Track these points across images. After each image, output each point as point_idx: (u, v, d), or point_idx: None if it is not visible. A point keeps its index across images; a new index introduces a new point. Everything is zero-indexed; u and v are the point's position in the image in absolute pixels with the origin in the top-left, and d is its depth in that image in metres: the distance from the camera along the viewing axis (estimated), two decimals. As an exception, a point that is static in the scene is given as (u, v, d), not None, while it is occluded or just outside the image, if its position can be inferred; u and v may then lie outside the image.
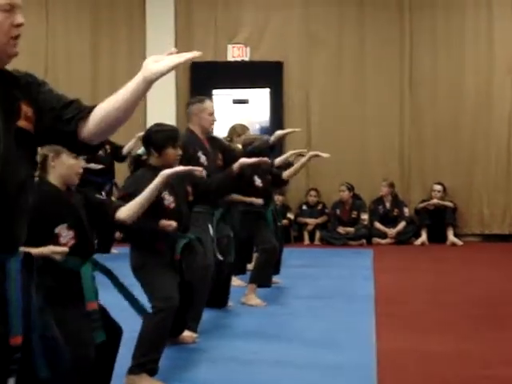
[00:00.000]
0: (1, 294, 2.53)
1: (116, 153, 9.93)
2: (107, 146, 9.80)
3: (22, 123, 2.55)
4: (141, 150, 4.91)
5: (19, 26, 2.47)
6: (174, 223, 4.62)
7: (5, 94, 2.51)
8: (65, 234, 3.69)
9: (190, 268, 4.83)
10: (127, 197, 4.43)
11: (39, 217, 3.49)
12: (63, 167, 3.75)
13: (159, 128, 4.88)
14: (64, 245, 3.68)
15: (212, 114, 6.20)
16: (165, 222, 4.61)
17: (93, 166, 9.32)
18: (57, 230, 3.68)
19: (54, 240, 3.66)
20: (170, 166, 4.80)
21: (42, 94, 2.60)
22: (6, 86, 2.53)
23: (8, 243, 2.54)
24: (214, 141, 6.42)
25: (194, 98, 6.81)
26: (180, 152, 4.87)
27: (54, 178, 3.77)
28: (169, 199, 4.70)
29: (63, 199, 3.78)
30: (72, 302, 3.65)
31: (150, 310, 4.33)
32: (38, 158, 3.49)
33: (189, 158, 5.67)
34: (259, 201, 7.05)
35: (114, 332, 3.82)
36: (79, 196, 3.87)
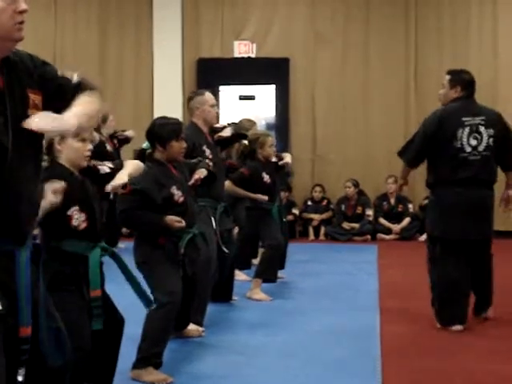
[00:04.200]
0: (11, 286, 2.56)
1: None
2: (115, 141, 9.83)
3: (31, 112, 2.58)
4: (145, 144, 4.89)
5: (22, 12, 2.51)
6: (182, 221, 4.61)
7: (11, 82, 2.54)
8: (77, 216, 3.67)
9: (193, 262, 4.86)
10: (134, 193, 4.47)
11: None
12: (70, 150, 3.72)
13: (162, 121, 4.88)
14: (75, 228, 3.67)
15: (214, 105, 6.16)
16: (173, 218, 4.63)
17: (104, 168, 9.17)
18: (69, 212, 3.65)
19: (66, 222, 3.64)
20: (176, 160, 4.86)
21: (48, 79, 2.65)
22: (13, 72, 2.55)
23: (18, 234, 2.58)
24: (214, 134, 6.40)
25: (193, 92, 6.75)
26: (184, 145, 4.88)
27: (62, 161, 3.74)
28: (178, 194, 4.72)
29: (75, 181, 3.73)
30: (77, 287, 3.65)
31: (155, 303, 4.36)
32: (44, 143, 3.54)
33: (192, 152, 5.68)
34: (264, 198, 7.08)
35: (117, 321, 3.83)
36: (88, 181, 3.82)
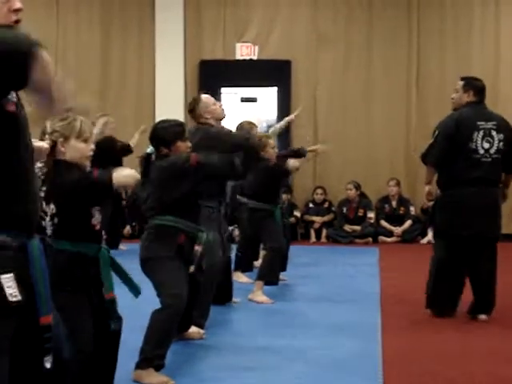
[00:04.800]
0: (26, 279, 2.56)
1: (126, 150, 9.93)
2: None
3: None
4: (150, 149, 4.87)
5: (17, 11, 2.48)
6: None
7: None
8: (96, 216, 3.66)
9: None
10: None
11: (80, 194, 3.54)
12: (73, 151, 3.67)
13: (164, 124, 4.87)
14: (94, 226, 3.66)
15: (215, 102, 6.14)
16: None
17: None
18: (92, 210, 3.64)
19: (87, 220, 3.63)
20: None
21: None
22: None
23: (27, 226, 2.58)
24: None
25: (191, 101, 6.59)
26: (189, 144, 4.88)
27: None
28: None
29: None
30: (85, 288, 3.63)
31: (142, 290, 4.22)
32: (47, 144, 3.54)
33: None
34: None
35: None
36: None
